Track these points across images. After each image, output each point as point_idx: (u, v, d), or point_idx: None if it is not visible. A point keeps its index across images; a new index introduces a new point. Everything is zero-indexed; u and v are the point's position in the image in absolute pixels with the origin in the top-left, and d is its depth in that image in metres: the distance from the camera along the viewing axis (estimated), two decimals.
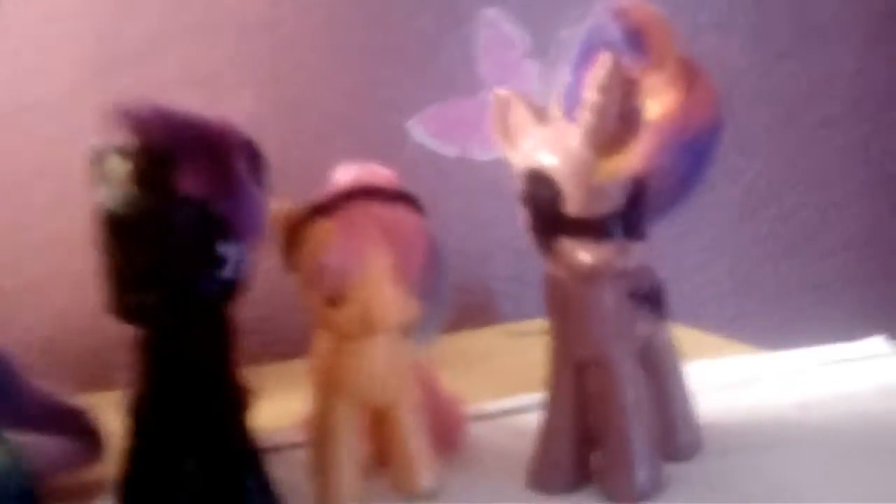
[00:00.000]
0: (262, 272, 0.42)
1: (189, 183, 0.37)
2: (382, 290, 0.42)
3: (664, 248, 0.50)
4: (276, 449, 0.47)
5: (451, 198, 0.85)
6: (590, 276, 0.42)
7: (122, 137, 0.37)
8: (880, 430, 0.51)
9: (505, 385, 0.61)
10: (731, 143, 0.43)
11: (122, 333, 0.41)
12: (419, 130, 0.71)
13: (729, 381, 0.59)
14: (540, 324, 0.74)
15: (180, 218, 0.37)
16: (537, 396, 0.47)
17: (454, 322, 0.58)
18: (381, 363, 0.44)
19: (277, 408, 0.46)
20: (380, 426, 0.47)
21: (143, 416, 0.41)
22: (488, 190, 0.89)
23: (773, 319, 0.96)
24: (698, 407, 0.49)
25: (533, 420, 0.47)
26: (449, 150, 0.69)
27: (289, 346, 0.81)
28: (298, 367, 0.49)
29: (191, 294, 0.39)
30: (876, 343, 0.63)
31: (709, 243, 0.96)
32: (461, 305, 0.89)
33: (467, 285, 0.91)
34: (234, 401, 0.41)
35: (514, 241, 0.91)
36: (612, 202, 0.41)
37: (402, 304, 0.43)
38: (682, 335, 0.50)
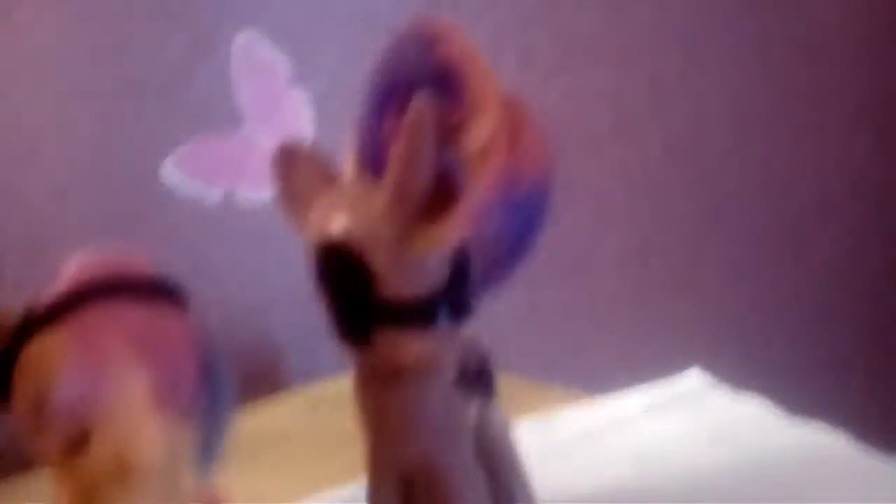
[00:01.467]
0: None
1: None
2: (139, 422, 0.31)
3: None
4: None
5: (219, 247, 0.76)
6: (413, 374, 0.34)
7: None
8: (713, 476, 0.49)
9: (309, 478, 0.53)
10: None
11: None
12: (175, 174, 0.62)
13: (559, 440, 0.54)
14: (338, 385, 0.65)
15: None
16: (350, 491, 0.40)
17: (239, 394, 0.49)
18: None
19: None
20: None
21: None
22: (262, 233, 0.80)
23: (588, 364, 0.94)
24: (533, 478, 0.43)
25: None
26: (211, 194, 0.61)
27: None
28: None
29: None
30: (694, 376, 0.61)
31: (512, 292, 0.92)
32: (245, 371, 0.78)
33: (249, 345, 0.81)
34: None
35: (298, 287, 0.82)
36: (434, 279, 0.33)
37: (168, 436, 0.32)
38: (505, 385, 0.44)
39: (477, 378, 0.39)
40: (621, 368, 0.67)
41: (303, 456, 0.58)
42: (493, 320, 0.38)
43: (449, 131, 0.31)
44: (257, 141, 0.61)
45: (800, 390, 0.62)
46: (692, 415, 0.56)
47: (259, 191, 0.58)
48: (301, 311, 0.80)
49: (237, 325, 0.79)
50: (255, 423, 0.63)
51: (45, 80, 0.67)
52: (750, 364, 0.88)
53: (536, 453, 0.45)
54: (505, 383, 0.44)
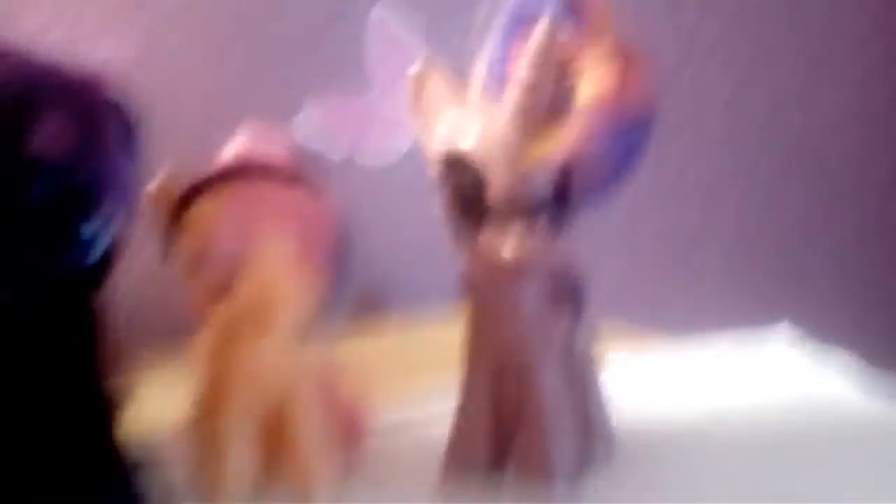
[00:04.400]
0: (134, 258, 0.36)
1: (44, 145, 0.30)
2: (279, 280, 0.37)
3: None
4: (154, 458, 0.42)
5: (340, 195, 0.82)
6: (512, 271, 0.38)
7: None
8: (791, 426, 0.50)
9: (403, 384, 0.58)
10: None
11: None
12: (304, 127, 0.67)
13: (643, 376, 0.57)
14: (430, 330, 0.71)
15: (33, 189, 0.31)
16: (446, 401, 0.44)
17: (341, 331, 0.54)
18: (276, 365, 0.39)
19: (154, 411, 0.40)
20: (273, 432, 0.42)
21: None
22: (373, 193, 0.86)
23: (680, 309, 0.96)
24: (614, 406, 0.47)
25: (442, 430, 0.44)
26: (334, 153, 0.66)
27: (165, 343, 0.73)
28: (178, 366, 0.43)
29: (47, 285, 0.32)
30: (783, 330, 0.62)
31: (611, 236, 0.95)
32: (348, 318, 0.84)
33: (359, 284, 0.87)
34: (100, 410, 0.35)
35: (401, 249, 0.88)
36: (539, 190, 0.37)
37: (300, 297, 0.38)
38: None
39: (570, 294, 0.43)
40: (713, 318, 0.69)
41: (404, 370, 0.64)
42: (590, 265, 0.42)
43: (566, 59, 0.36)
44: (380, 108, 0.66)
45: (888, 348, 0.63)
46: (778, 367, 0.58)
47: (377, 155, 0.63)
48: (404, 257, 0.87)
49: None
50: (364, 347, 0.69)
51: (199, 26, 0.75)
52: (839, 322, 0.88)
53: (619, 384, 0.48)
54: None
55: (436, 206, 0.39)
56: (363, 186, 0.81)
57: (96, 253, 0.33)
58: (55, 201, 0.31)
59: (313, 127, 0.63)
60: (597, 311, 0.46)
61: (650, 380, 0.56)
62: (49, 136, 0.30)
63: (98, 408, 0.35)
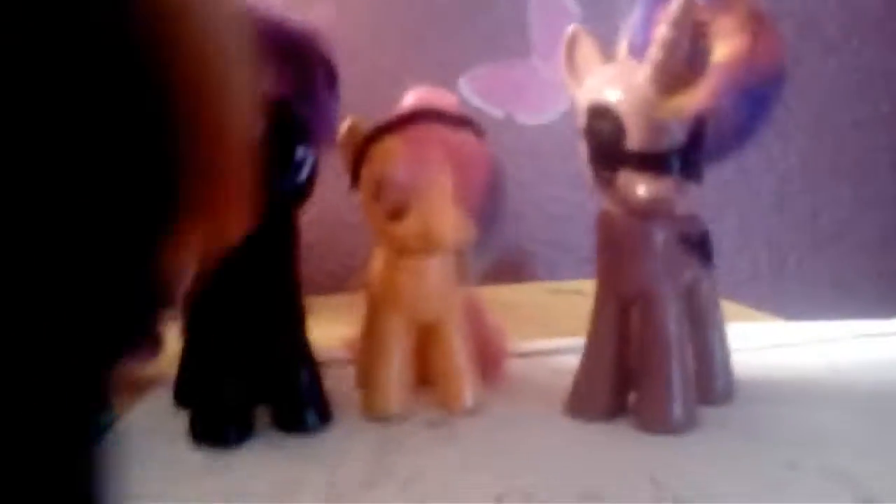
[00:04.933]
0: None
1: (271, 85, 0.38)
2: (443, 208, 0.43)
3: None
4: (325, 364, 0.49)
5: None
6: (645, 210, 0.43)
7: None
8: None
9: (540, 331, 0.63)
10: (771, 131, 0.45)
11: None
12: (468, 88, 0.72)
13: (764, 343, 0.60)
14: (574, 285, 0.75)
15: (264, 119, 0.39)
16: (575, 341, 0.49)
17: (487, 276, 0.59)
18: (435, 281, 0.46)
19: (321, 334, 0.47)
20: (427, 345, 0.49)
21: (208, 313, 0.43)
22: (530, 152, 0.91)
23: (802, 303, 0.98)
24: (734, 361, 0.51)
25: (570, 361, 0.49)
26: (495, 111, 0.71)
27: (329, 282, 0.83)
28: (337, 301, 0.50)
29: (268, 195, 0.40)
30: None
31: (746, 226, 0.98)
32: (494, 263, 0.91)
33: (502, 244, 0.92)
34: (296, 303, 0.43)
35: (550, 204, 0.93)
36: (673, 139, 0.42)
37: (460, 224, 0.44)
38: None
39: (697, 242, 0.47)
40: (837, 303, 0.71)
41: (539, 319, 0.69)
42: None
43: (703, 22, 0.40)
44: (540, 73, 0.70)
45: None
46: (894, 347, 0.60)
47: (534, 115, 0.67)
48: (549, 226, 0.92)
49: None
50: (503, 295, 0.75)
51: None
52: None
53: (741, 348, 0.51)
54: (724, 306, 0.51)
55: (580, 153, 0.45)
56: (519, 145, 0.87)
57: (304, 174, 0.40)
58: (278, 129, 0.39)
59: (478, 86, 0.68)
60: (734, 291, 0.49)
61: (771, 347, 0.59)
62: (275, 77, 0.38)
63: (294, 301, 0.43)
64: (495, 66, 0.70)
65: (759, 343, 0.60)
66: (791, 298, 0.96)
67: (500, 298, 0.73)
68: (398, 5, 0.86)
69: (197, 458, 0.42)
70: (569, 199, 0.93)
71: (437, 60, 0.84)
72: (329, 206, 0.81)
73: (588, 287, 0.48)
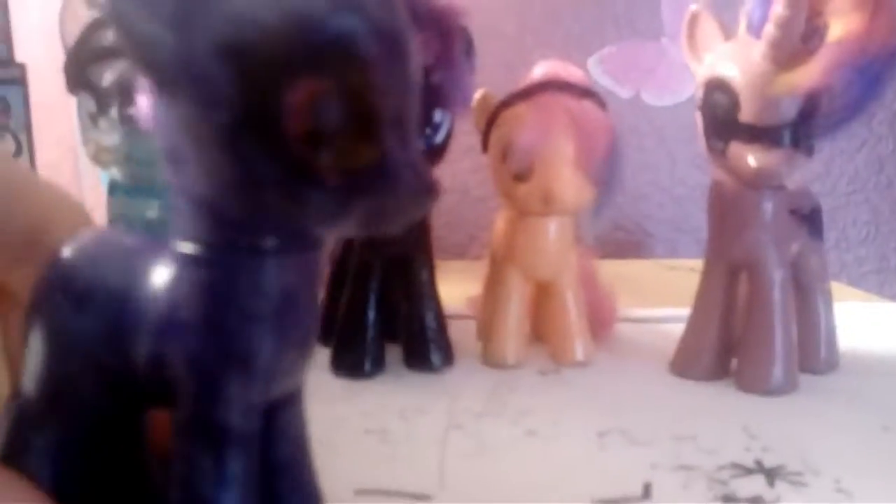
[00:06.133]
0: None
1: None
2: (564, 172, 0.47)
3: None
4: (451, 317, 0.53)
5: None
6: (756, 180, 0.46)
7: None
8: None
9: (653, 302, 0.66)
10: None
11: None
12: (598, 68, 0.75)
13: (872, 321, 0.62)
14: (690, 263, 0.78)
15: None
16: (686, 311, 0.51)
17: (606, 251, 0.61)
18: (553, 241, 0.50)
19: (447, 293, 0.52)
20: (542, 302, 0.53)
21: (350, 262, 0.49)
22: (654, 134, 0.93)
23: None
24: (843, 336, 0.52)
25: (679, 329, 0.51)
26: (623, 91, 0.73)
27: (455, 249, 0.88)
28: (462, 266, 0.53)
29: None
30: None
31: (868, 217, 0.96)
32: (614, 239, 0.94)
33: (621, 222, 0.95)
34: (428, 257, 0.48)
35: (672, 187, 0.95)
36: (785, 113, 0.44)
37: (579, 188, 0.48)
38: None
39: (808, 215, 0.49)
40: None
41: (651, 291, 0.72)
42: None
43: (819, 0, 0.42)
44: (669, 54, 0.71)
45: None
46: None
47: (661, 96, 0.69)
48: (669, 206, 0.94)
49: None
50: (620, 269, 0.78)
51: None
52: None
53: (850, 324, 0.53)
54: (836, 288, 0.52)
55: (697, 124, 0.48)
56: (645, 126, 0.90)
57: (441, 136, 0.45)
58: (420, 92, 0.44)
59: (607, 66, 0.70)
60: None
61: (879, 325, 0.61)
62: (419, 44, 0.43)
63: (426, 263, 0.48)
64: (625, 46, 0.72)
65: (869, 320, 0.61)
66: None
67: (619, 271, 0.76)
68: None
69: (337, 385, 0.48)
70: (690, 181, 0.95)
71: (574, 38, 0.88)
72: (458, 182, 0.87)
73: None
